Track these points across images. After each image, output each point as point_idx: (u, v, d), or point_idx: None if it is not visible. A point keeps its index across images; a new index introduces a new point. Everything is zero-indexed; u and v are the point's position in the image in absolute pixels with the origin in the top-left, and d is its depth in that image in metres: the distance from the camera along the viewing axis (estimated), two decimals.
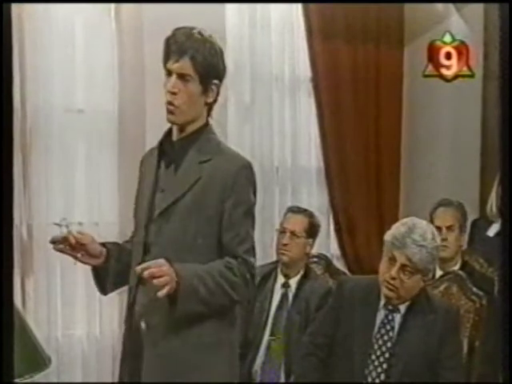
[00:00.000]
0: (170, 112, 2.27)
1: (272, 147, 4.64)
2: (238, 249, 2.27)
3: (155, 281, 2.14)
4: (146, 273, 2.15)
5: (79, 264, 4.12)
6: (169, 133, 2.37)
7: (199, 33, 2.27)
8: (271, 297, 3.65)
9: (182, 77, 2.24)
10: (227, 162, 2.29)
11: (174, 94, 2.25)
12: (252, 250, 2.32)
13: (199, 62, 2.23)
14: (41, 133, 3.82)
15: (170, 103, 2.26)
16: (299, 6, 4.61)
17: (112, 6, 4.03)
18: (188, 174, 2.29)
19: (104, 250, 2.40)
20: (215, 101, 2.33)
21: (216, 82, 2.29)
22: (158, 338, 2.27)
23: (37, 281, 3.81)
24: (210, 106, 2.33)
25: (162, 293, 2.14)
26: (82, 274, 3.89)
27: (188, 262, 2.24)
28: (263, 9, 4.54)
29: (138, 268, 2.19)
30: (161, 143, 2.37)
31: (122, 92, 4.04)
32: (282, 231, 3.69)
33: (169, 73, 2.27)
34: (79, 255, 2.36)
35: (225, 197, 2.25)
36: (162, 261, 2.18)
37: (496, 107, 5.14)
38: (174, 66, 2.25)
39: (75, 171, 3.96)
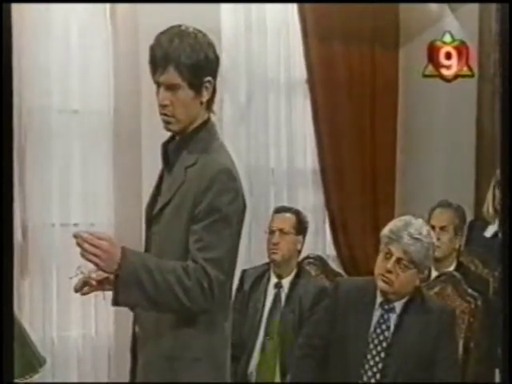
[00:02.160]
0: (166, 122, 2.24)
1: (268, 149, 4.64)
2: (198, 254, 2.12)
3: (82, 252, 2.05)
4: (77, 240, 2.04)
5: (75, 266, 4.10)
6: (173, 135, 2.32)
7: (180, 32, 2.19)
8: (264, 298, 3.66)
9: (170, 87, 2.19)
10: (205, 167, 2.21)
11: (165, 106, 2.20)
12: (217, 262, 2.13)
13: (184, 68, 2.16)
14: (36, 133, 3.82)
15: (164, 114, 2.23)
16: (295, 7, 4.61)
17: (107, 6, 4.03)
18: (176, 179, 2.25)
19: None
20: (213, 96, 2.26)
21: (208, 79, 2.22)
22: (150, 343, 2.25)
23: (32, 282, 3.81)
24: (208, 103, 2.26)
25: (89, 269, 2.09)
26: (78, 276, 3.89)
27: None
28: (259, 11, 4.55)
29: (75, 232, 2.08)
30: (167, 143, 2.32)
31: (117, 92, 4.04)
32: (271, 231, 3.71)
33: (158, 85, 2.22)
34: (107, 286, 2.24)
35: (196, 202, 2.16)
36: (107, 235, 2.09)
37: (491, 108, 5.10)
38: (160, 78, 2.19)
39: (70, 172, 3.96)
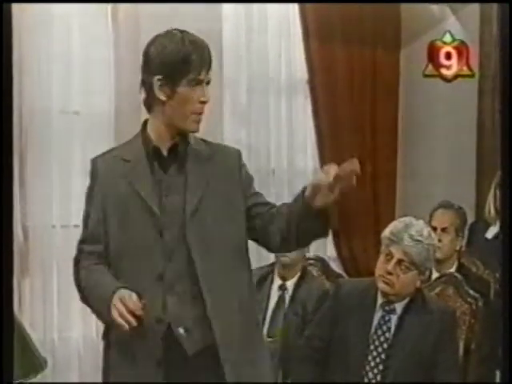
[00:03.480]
0: (197, 122, 2.27)
1: (268, 149, 4.64)
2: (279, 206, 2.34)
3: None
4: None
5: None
6: (148, 137, 2.34)
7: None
8: (268, 299, 3.66)
9: (208, 83, 2.26)
10: (228, 154, 2.38)
11: (205, 103, 2.26)
12: None
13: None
14: (37, 134, 3.82)
15: (199, 114, 2.27)
16: (296, 8, 4.61)
17: (109, 8, 4.03)
18: (198, 174, 2.29)
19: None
20: None
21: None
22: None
23: (33, 283, 3.81)
24: None
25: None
26: None
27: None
28: (260, 11, 4.55)
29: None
30: (153, 149, 2.33)
31: (117, 94, 4.04)
32: None
33: (198, 82, 2.24)
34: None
35: (246, 183, 2.37)
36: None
37: (491, 108, 5.09)
38: (207, 76, 2.26)
39: (71, 173, 3.96)
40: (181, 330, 2.25)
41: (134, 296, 2.16)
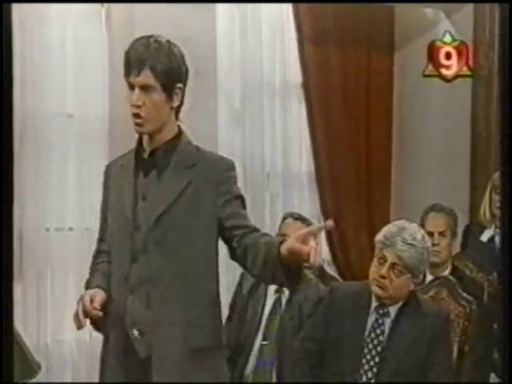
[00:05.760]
0: (137, 124, 2.33)
1: (263, 153, 4.64)
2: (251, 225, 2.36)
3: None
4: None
5: (69, 270, 4.09)
6: (140, 142, 2.42)
7: (156, 41, 2.31)
8: (264, 301, 3.65)
9: (144, 88, 2.29)
10: (215, 164, 2.37)
11: (139, 106, 2.30)
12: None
13: (159, 71, 2.28)
14: (31, 137, 3.81)
15: (136, 115, 2.32)
16: (290, 11, 4.62)
17: (103, 10, 4.03)
18: (176, 180, 2.33)
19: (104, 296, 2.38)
20: (181, 104, 2.39)
21: (179, 85, 2.34)
22: (158, 345, 2.29)
23: (26, 286, 3.80)
24: (177, 110, 2.39)
25: None
26: (72, 279, 3.88)
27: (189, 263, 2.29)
28: (254, 14, 4.55)
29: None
30: (137, 152, 2.42)
31: (112, 96, 4.03)
32: (283, 237, 3.68)
33: (131, 86, 2.32)
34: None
35: (220, 193, 2.33)
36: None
37: (485, 111, 5.10)
38: (136, 79, 2.30)
39: (65, 176, 3.95)
40: (135, 332, 2.31)
41: (88, 297, 2.29)
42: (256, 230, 2.35)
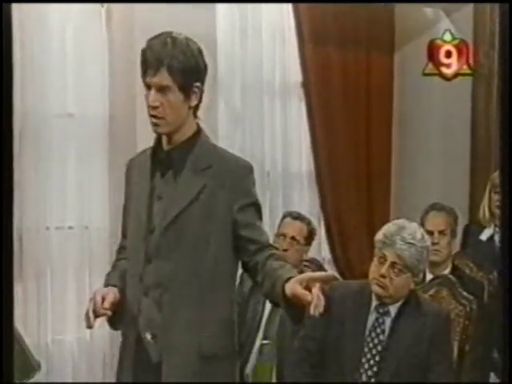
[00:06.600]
0: (155, 124, 2.28)
1: (263, 152, 4.64)
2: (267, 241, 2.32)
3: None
4: None
5: (69, 269, 4.09)
6: (158, 140, 2.36)
7: (172, 38, 2.25)
8: (264, 301, 3.65)
9: (161, 89, 2.24)
10: (232, 167, 2.31)
11: (156, 107, 2.25)
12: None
13: (176, 71, 2.22)
14: (31, 137, 3.81)
15: (153, 116, 2.26)
16: (290, 11, 4.62)
17: (103, 10, 4.04)
18: (191, 183, 2.28)
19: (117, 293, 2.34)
20: (200, 102, 2.32)
21: (197, 84, 2.28)
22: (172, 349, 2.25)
23: (26, 285, 3.80)
24: (195, 109, 2.32)
25: None
26: (72, 279, 3.89)
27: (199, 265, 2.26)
28: (254, 14, 4.55)
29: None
30: (154, 151, 2.36)
31: (112, 96, 4.04)
32: (281, 236, 3.69)
33: (148, 87, 2.26)
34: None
35: (236, 197, 2.27)
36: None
37: (485, 111, 5.11)
38: (152, 80, 2.24)
39: (65, 176, 3.95)
40: (148, 336, 2.27)
41: (99, 297, 2.25)
42: (267, 246, 2.30)
